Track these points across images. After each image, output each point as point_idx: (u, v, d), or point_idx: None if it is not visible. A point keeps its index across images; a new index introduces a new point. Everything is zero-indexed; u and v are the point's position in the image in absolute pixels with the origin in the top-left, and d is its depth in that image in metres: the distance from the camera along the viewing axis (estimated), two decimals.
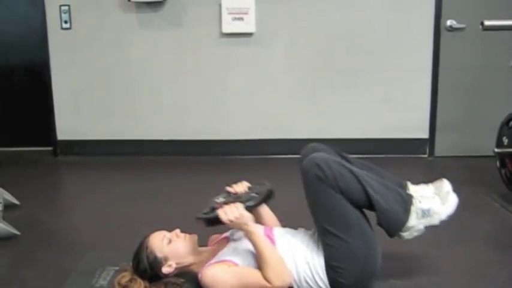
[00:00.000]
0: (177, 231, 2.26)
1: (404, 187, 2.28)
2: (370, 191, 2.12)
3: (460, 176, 4.18)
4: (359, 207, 2.18)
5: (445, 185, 2.26)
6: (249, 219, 2.12)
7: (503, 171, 3.58)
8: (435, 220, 2.19)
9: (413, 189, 2.27)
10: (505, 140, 3.51)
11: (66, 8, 4.73)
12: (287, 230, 2.36)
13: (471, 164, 4.43)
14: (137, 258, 2.19)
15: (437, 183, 2.28)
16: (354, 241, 2.14)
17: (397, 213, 2.16)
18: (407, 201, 2.19)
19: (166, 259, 2.17)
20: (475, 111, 4.71)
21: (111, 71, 4.84)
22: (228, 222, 2.11)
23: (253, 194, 2.26)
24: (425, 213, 2.17)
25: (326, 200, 2.15)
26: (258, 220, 2.40)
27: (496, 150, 3.56)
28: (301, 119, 4.82)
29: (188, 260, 2.20)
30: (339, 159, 2.25)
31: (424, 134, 4.79)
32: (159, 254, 2.17)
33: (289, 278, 2.10)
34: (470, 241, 2.89)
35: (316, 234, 2.28)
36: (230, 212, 2.11)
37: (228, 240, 2.29)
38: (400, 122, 4.78)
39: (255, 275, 2.08)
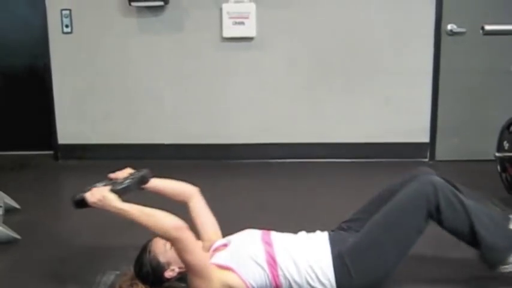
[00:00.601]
0: None
1: (509, 221, 2.35)
2: (478, 227, 2.19)
3: (461, 180, 4.13)
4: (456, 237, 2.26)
5: None
6: (113, 200, 2.14)
7: (504, 175, 3.58)
8: None
9: None
10: (506, 145, 3.52)
11: (68, 12, 4.75)
12: (286, 234, 2.36)
13: (472, 168, 4.42)
14: (140, 262, 2.19)
15: None
16: (394, 258, 2.20)
17: (499, 249, 2.23)
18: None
19: (169, 264, 2.17)
20: (476, 115, 4.71)
21: (112, 75, 4.85)
22: (92, 204, 2.16)
23: (127, 181, 2.32)
24: None
25: (411, 218, 2.21)
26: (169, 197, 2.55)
27: (497, 154, 3.57)
28: (302, 123, 4.82)
29: None
30: (452, 188, 2.29)
31: (425, 138, 4.78)
32: (162, 259, 2.17)
33: (170, 220, 2.08)
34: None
35: (321, 234, 2.29)
36: (95, 194, 2.16)
37: (226, 246, 2.29)
38: (400, 126, 4.78)
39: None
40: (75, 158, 4.93)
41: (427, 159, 4.78)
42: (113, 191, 2.20)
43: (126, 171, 2.43)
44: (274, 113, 4.82)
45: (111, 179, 2.37)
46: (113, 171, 2.42)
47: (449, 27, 4.58)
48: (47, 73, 4.86)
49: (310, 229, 2.41)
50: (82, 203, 2.22)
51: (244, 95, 4.82)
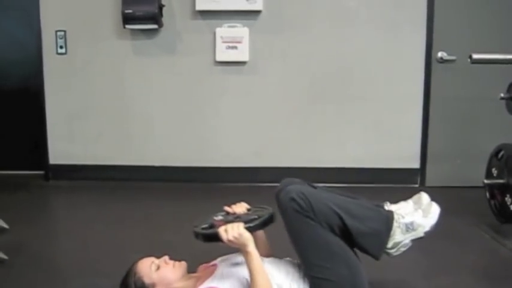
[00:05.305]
0: (166, 258, 2.25)
1: (383, 206, 2.29)
2: (344, 216, 2.12)
3: (451, 207, 4.16)
4: (340, 235, 2.16)
5: (424, 197, 2.28)
6: (249, 240, 2.06)
7: (492, 202, 3.60)
8: (420, 233, 2.20)
9: (393, 207, 2.27)
10: (494, 171, 3.54)
11: (62, 33, 4.78)
12: (273, 260, 2.34)
13: (462, 195, 4.44)
14: (125, 284, 2.18)
15: (416, 197, 2.30)
16: (340, 271, 2.13)
17: (378, 233, 2.17)
18: (388, 218, 2.19)
19: (154, 285, 2.16)
20: (466, 142, 4.75)
21: (105, 96, 4.87)
22: (227, 241, 2.05)
23: (254, 216, 2.22)
24: (409, 228, 2.18)
25: (306, 232, 2.14)
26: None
27: (486, 181, 3.58)
28: (293, 147, 4.84)
29: (176, 286, 2.19)
30: (312, 189, 2.25)
31: (415, 164, 4.81)
32: (147, 280, 2.16)
33: None
34: (459, 272, 2.89)
35: (301, 266, 2.28)
36: (231, 231, 2.05)
37: (216, 267, 2.28)
38: (391, 151, 4.80)
39: None
40: (66, 179, 4.91)
41: (417, 185, 4.80)
42: (248, 229, 2.08)
43: (243, 206, 2.36)
44: (265, 137, 4.84)
45: (228, 213, 2.30)
46: (228, 205, 2.35)
47: (439, 54, 4.64)
48: (40, 93, 4.87)
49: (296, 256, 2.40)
50: (213, 238, 2.10)
51: (235, 118, 4.84)
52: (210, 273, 2.23)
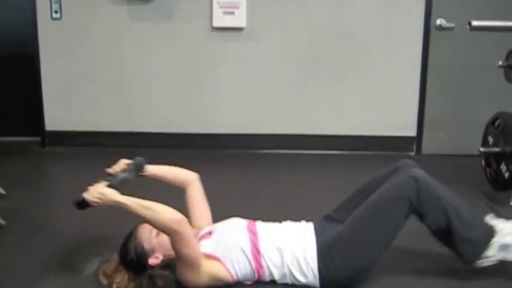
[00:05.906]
0: None
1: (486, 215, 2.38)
2: (454, 221, 2.22)
3: (447, 175, 4.15)
4: (438, 233, 2.29)
5: None
6: (113, 195, 2.17)
7: (488, 170, 3.62)
8: (511, 257, 2.27)
9: (494, 222, 2.34)
10: (490, 140, 3.55)
11: None
12: (271, 224, 2.37)
13: (458, 163, 4.46)
14: (125, 248, 2.20)
15: None
16: (377, 249, 2.22)
17: (477, 244, 2.25)
18: (490, 232, 2.27)
19: (153, 251, 2.18)
20: (463, 110, 4.75)
21: (101, 62, 4.82)
22: (94, 203, 2.19)
23: (123, 173, 2.37)
24: (505, 248, 2.25)
25: (393, 209, 2.22)
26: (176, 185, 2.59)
27: (482, 149, 3.60)
28: (290, 114, 4.84)
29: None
30: (432, 181, 2.30)
31: (412, 132, 4.82)
32: (147, 246, 2.18)
33: (170, 214, 2.09)
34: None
35: (306, 225, 2.30)
36: (93, 192, 2.20)
37: (211, 234, 2.30)
38: (388, 119, 4.80)
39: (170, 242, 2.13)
40: (63, 145, 4.90)
41: (413, 153, 4.82)
42: (110, 186, 2.23)
43: (122, 163, 2.44)
44: (263, 103, 4.83)
45: (110, 174, 2.38)
46: (109, 167, 2.44)
47: (438, 22, 4.60)
48: (36, 59, 4.82)
49: (296, 219, 2.42)
50: (83, 204, 2.24)
51: (233, 85, 4.81)
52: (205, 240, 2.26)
